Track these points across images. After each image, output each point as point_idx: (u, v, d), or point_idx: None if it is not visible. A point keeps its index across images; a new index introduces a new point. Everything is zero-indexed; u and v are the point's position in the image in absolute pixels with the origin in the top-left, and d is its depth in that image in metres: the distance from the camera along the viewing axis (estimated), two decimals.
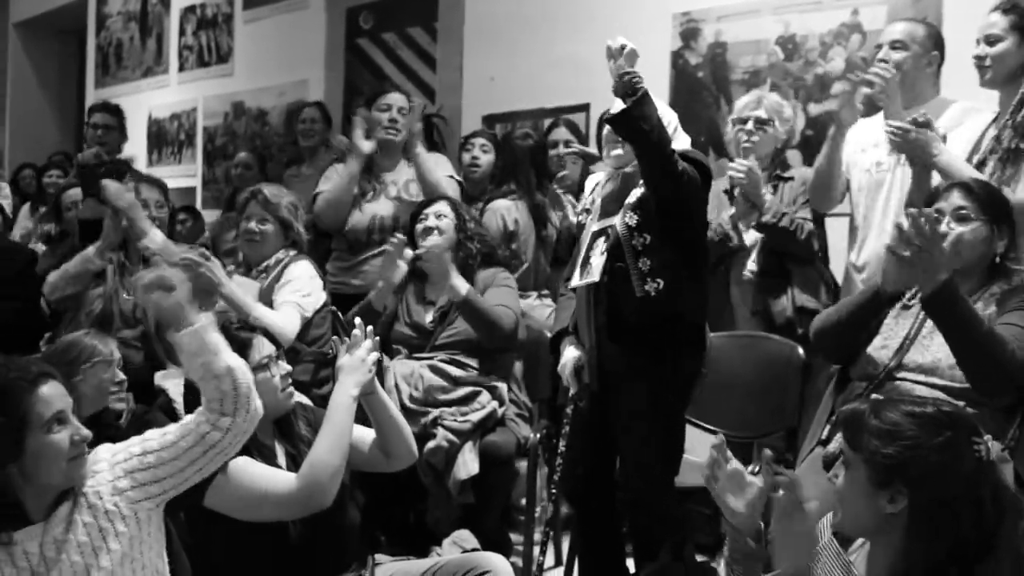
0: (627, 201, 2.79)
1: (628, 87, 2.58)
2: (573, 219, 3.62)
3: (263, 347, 2.37)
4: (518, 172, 3.97)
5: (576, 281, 2.85)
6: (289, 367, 2.43)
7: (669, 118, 2.83)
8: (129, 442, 1.97)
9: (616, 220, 2.78)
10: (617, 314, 2.76)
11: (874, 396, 2.15)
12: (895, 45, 3.10)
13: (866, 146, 3.23)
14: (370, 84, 5.35)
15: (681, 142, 2.87)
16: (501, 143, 4.23)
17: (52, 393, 1.83)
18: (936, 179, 2.85)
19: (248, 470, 2.20)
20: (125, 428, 2.66)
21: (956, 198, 2.46)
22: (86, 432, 1.86)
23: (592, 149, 4.04)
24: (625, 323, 2.75)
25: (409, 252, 3.31)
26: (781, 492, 1.76)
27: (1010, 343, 2.24)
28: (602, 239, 2.80)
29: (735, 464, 1.85)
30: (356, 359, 2.38)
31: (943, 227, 2.42)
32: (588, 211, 3.01)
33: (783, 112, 3.46)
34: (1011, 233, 2.48)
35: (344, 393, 2.32)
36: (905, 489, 1.63)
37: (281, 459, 2.37)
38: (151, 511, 1.93)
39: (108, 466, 1.91)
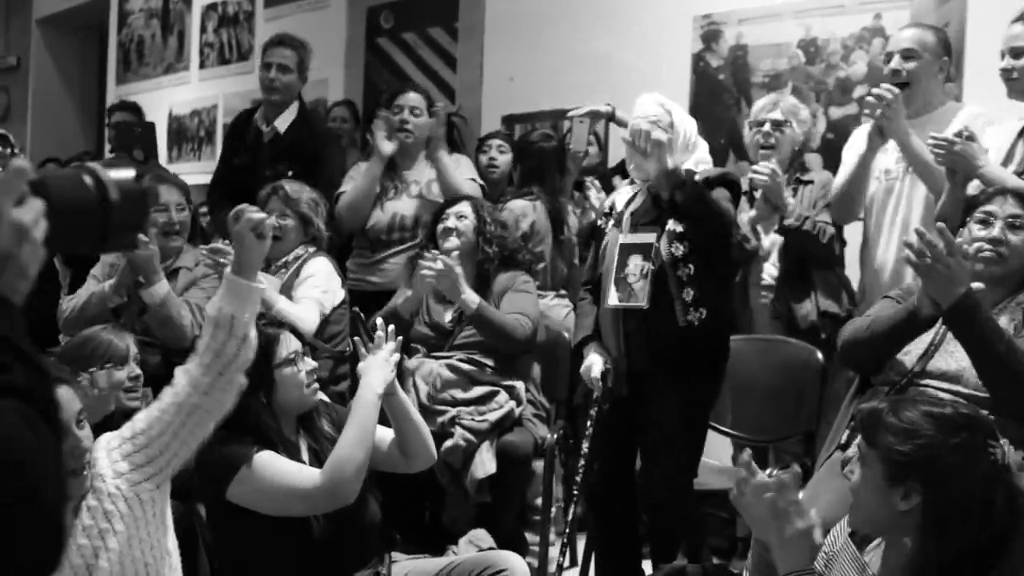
0: (670, 227, 2.81)
1: (675, 182, 2.68)
2: (592, 215, 3.62)
3: (290, 343, 2.38)
4: (544, 176, 3.96)
5: (614, 301, 2.86)
6: (314, 364, 2.44)
7: (688, 128, 2.87)
8: (122, 428, 1.98)
9: (660, 244, 2.80)
10: (657, 337, 2.79)
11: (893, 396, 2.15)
12: (907, 54, 3.09)
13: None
14: (390, 83, 5.35)
15: (700, 150, 2.90)
16: (520, 146, 4.21)
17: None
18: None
19: (273, 464, 2.21)
20: None
21: (1011, 205, 2.43)
22: (85, 445, 1.85)
23: (603, 107, 3.98)
24: (665, 346, 2.78)
25: (439, 266, 3.24)
26: (770, 495, 1.76)
27: None
28: (638, 257, 2.82)
29: (761, 477, 1.84)
30: (380, 358, 2.39)
31: (996, 231, 2.41)
32: (608, 216, 3.01)
33: (799, 114, 3.46)
34: None
35: (369, 390, 2.33)
36: (919, 487, 1.65)
37: (304, 455, 2.37)
38: (152, 492, 1.93)
39: (105, 453, 1.92)
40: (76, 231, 1.05)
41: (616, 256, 2.87)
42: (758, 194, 3.32)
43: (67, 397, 1.84)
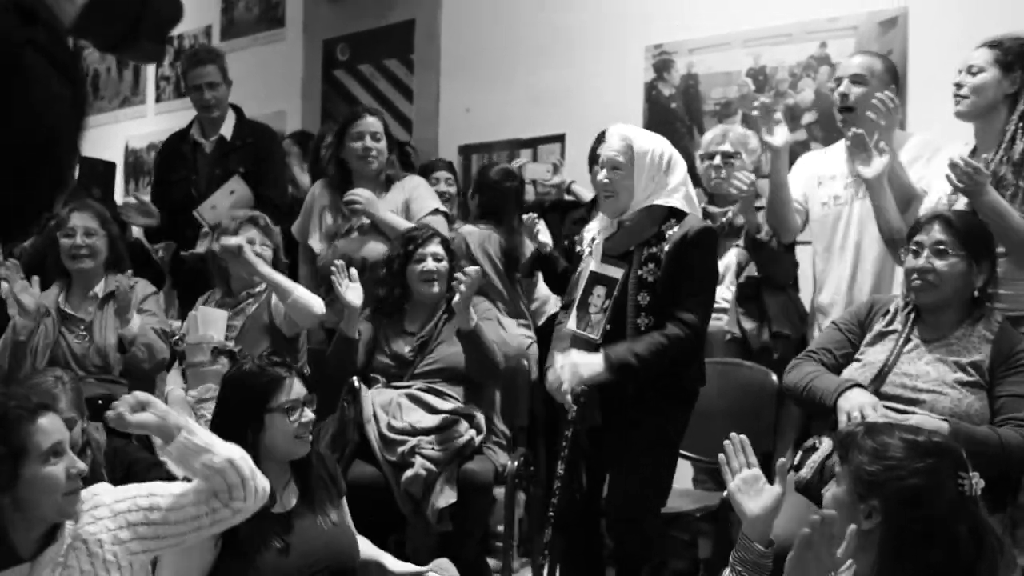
0: (640, 273, 2.76)
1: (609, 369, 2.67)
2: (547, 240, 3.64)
3: (293, 389, 2.36)
4: (502, 215, 3.97)
5: (572, 326, 2.87)
6: (312, 416, 2.41)
7: (654, 156, 2.82)
8: (135, 491, 1.96)
9: (627, 285, 2.78)
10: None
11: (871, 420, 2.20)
12: (856, 79, 3.16)
13: (823, 179, 3.28)
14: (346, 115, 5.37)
15: (676, 174, 2.85)
16: (479, 180, 4.21)
17: (51, 425, 1.84)
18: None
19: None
20: (106, 464, 2.64)
21: (936, 232, 2.50)
22: (82, 466, 1.87)
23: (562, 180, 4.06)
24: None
25: (354, 272, 3.29)
26: (810, 530, 1.77)
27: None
28: (602, 288, 2.82)
29: (756, 469, 1.89)
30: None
31: (922, 260, 2.48)
32: (577, 242, 3.03)
33: (749, 143, 3.52)
34: (991, 267, 2.52)
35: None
36: (880, 506, 1.68)
37: (292, 499, 2.38)
38: (144, 563, 1.95)
39: (110, 513, 1.91)
40: (108, 6, 0.99)
41: (584, 283, 2.89)
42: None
43: (56, 424, 1.87)
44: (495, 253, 3.90)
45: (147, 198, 4.21)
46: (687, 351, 2.73)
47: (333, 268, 3.32)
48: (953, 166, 2.63)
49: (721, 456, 1.93)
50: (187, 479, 1.97)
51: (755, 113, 3.12)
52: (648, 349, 2.68)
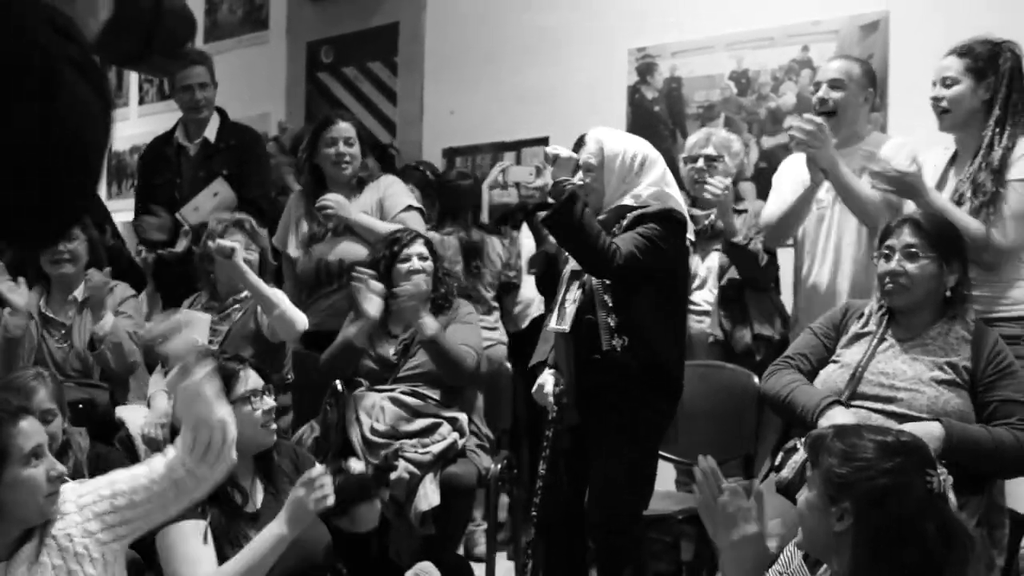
0: None
1: (558, 192, 2.66)
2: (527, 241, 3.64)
3: (249, 380, 2.38)
4: (457, 213, 4.03)
5: (553, 324, 2.88)
6: (274, 403, 2.43)
7: (626, 157, 2.85)
8: (96, 483, 1.96)
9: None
10: (599, 362, 2.79)
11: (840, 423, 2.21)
12: (834, 84, 3.18)
13: (806, 182, 3.29)
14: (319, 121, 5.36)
15: (651, 174, 2.87)
16: (439, 184, 4.24)
17: (31, 428, 1.84)
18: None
19: (175, 547, 2.18)
20: (89, 469, 2.63)
21: (906, 235, 2.52)
22: (61, 468, 1.87)
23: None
24: (607, 371, 2.77)
25: (378, 285, 3.26)
26: (722, 499, 1.80)
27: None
28: (576, 283, 2.85)
29: (726, 484, 1.87)
30: (308, 499, 2.24)
31: (893, 264, 2.50)
32: None
33: (732, 147, 3.54)
34: (962, 267, 2.54)
35: (279, 527, 2.23)
36: (852, 508, 1.69)
37: (259, 496, 2.36)
38: (117, 552, 1.93)
39: (76, 508, 1.90)
40: (122, 22, 0.99)
41: (566, 281, 2.91)
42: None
43: (35, 427, 1.87)
44: (453, 255, 3.93)
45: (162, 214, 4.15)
46: (608, 265, 2.67)
47: (358, 275, 3.26)
48: (878, 174, 2.72)
49: (695, 490, 1.91)
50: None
51: (794, 132, 3.04)
52: (597, 227, 2.67)
